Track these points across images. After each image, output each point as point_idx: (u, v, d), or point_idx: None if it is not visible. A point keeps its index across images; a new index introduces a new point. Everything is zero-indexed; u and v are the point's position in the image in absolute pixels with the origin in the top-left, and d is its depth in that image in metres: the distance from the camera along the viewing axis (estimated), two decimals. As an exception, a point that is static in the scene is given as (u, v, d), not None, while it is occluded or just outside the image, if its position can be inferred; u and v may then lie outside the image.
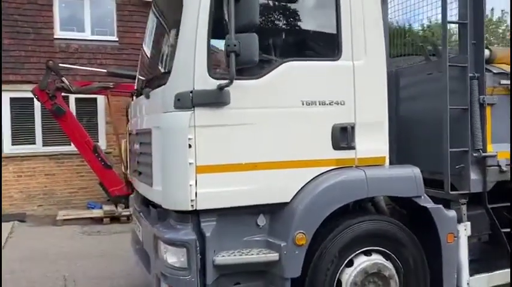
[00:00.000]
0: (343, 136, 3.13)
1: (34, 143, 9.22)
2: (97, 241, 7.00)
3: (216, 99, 2.82)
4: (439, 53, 3.69)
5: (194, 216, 2.91)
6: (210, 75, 2.82)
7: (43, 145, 9.28)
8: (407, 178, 3.26)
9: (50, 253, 6.01)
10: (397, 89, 3.83)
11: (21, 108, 9.17)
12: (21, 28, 8.98)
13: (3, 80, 8.14)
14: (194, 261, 2.81)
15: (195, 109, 2.81)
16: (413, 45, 4.39)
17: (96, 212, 8.65)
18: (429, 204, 3.28)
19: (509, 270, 3.66)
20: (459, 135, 3.40)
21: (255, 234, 3.07)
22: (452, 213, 3.37)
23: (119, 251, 6.32)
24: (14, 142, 9.11)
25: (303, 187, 3.05)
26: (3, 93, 8.43)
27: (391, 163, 3.31)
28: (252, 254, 2.95)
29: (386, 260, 3.22)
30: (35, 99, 8.28)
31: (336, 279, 3.09)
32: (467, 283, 3.45)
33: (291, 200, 3.03)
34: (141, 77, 4.06)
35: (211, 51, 2.83)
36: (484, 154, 3.44)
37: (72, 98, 9.20)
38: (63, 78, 8.10)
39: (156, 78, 3.27)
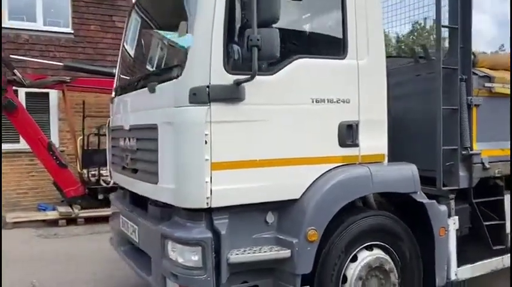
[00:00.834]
0: (348, 134, 3.19)
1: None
2: (57, 244, 6.62)
3: (233, 95, 2.77)
4: (429, 55, 3.87)
5: (207, 214, 2.84)
6: (225, 70, 2.77)
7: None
8: (407, 174, 3.39)
9: (10, 258, 5.58)
10: (387, 89, 3.95)
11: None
12: (-35, 16, 8.29)
13: None
14: (210, 260, 2.74)
15: (211, 104, 2.74)
16: (402, 47, 4.57)
17: (51, 214, 8.16)
18: (425, 199, 3.43)
19: (489, 260, 3.95)
20: (449, 134, 3.58)
21: (263, 231, 3.05)
22: (444, 208, 3.55)
23: (87, 253, 6.05)
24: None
25: (312, 183, 3.07)
26: None
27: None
28: (265, 252, 2.93)
29: (386, 254, 3.32)
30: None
31: (342, 274, 3.15)
32: (455, 274, 3.65)
33: (300, 196, 3.05)
34: (130, 71, 3.89)
35: (227, 45, 2.77)
36: (471, 152, 3.65)
37: (22, 92, 8.61)
38: (15, 70, 7.57)
39: (162, 72, 3.14)
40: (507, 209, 3.99)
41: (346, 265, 3.16)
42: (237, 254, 2.86)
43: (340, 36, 3.20)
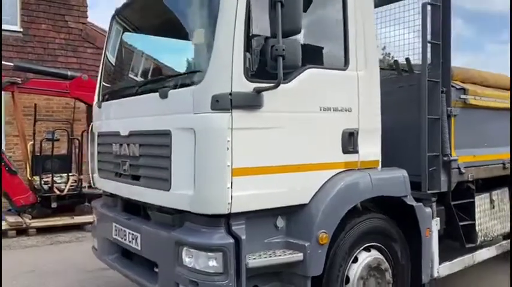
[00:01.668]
0: (350, 141, 3.36)
1: None
2: (14, 257, 6.20)
3: (253, 102, 2.84)
4: (412, 68, 4.17)
5: (225, 219, 2.86)
6: (246, 78, 2.83)
7: None
8: (399, 179, 3.62)
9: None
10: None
11: None
12: None
13: None
14: (232, 265, 2.77)
15: (233, 111, 2.78)
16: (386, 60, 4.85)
17: (-1, 225, 7.61)
18: (414, 203, 3.69)
19: (462, 257, 4.30)
20: (432, 141, 3.88)
21: (274, 236, 3.13)
22: (429, 210, 3.83)
23: (50, 265, 5.77)
24: None
25: (320, 188, 3.20)
26: None
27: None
28: (280, 256, 3.01)
29: (381, 254, 3.52)
30: None
31: (346, 275, 3.30)
32: (438, 271, 3.94)
33: (309, 201, 3.16)
34: (123, 77, 3.81)
35: (247, 53, 2.83)
36: (451, 158, 3.97)
37: (-36, 94, 8.01)
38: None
39: (177, 78, 3.11)
40: (477, 211, 4.38)
41: (348, 266, 3.32)
42: (254, 258, 2.91)
43: (343, 49, 3.37)
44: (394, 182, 3.61)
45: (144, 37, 3.91)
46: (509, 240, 4.92)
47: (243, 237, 2.84)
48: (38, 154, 8.25)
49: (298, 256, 3.02)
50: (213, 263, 2.81)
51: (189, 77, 2.97)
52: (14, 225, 7.53)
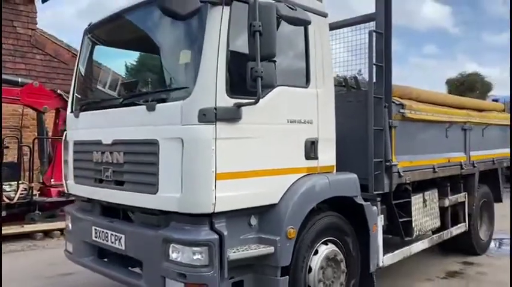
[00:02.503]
0: (311, 148, 3.89)
1: None
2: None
3: (234, 115, 3.27)
4: (359, 85, 4.80)
5: (209, 218, 3.26)
6: (227, 94, 3.26)
7: None
8: (352, 181, 4.20)
9: None
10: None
11: None
12: None
13: None
14: (216, 258, 3.17)
15: (217, 123, 3.20)
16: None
17: None
18: (363, 202, 4.28)
19: (402, 249, 4.98)
20: (376, 149, 4.50)
21: (248, 233, 3.56)
22: (375, 208, 4.45)
23: (7, 274, 5.71)
24: None
25: (287, 189, 3.68)
26: None
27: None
28: (255, 249, 3.45)
29: (337, 247, 4.07)
30: None
31: (308, 265, 3.80)
32: (382, 261, 4.57)
33: (279, 201, 3.63)
34: (102, 89, 4.09)
35: (229, 73, 3.27)
36: (392, 163, 4.63)
37: None
38: None
39: (164, 94, 3.47)
40: (413, 209, 5.08)
41: (311, 257, 3.83)
42: (234, 252, 3.32)
43: (305, 69, 3.90)
44: (348, 184, 4.19)
45: (127, 54, 4.20)
46: (438, 234, 5.72)
47: (225, 233, 3.25)
48: (-14, 162, 8.06)
49: (270, 249, 3.48)
50: (198, 256, 3.19)
51: (176, 92, 3.35)
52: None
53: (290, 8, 3.51)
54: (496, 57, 65.21)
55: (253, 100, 3.18)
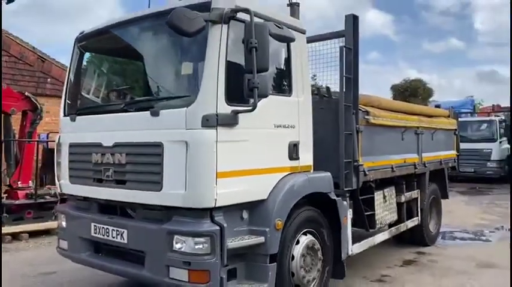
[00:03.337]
0: (294, 150, 4.39)
1: None
2: None
3: (232, 121, 3.71)
4: (331, 94, 5.37)
5: (209, 212, 3.67)
6: (226, 102, 3.69)
7: None
8: (327, 179, 4.75)
9: None
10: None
11: None
12: None
13: None
14: (218, 246, 3.59)
15: (218, 128, 3.63)
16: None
17: None
18: (336, 197, 4.84)
19: (367, 240, 5.60)
20: (346, 151, 5.09)
21: (240, 225, 4.00)
22: (345, 203, 5.03)
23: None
24: None
25: (274, 186, 4.16)
26: None
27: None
28: (249, 239, 3.90)
29: (314, 237, 4.60)
30: None
31: (291, 254, 4.30)
32: (351, 250, 5.15)
33: (267, 197, 4.10)
34: (102, 95, 4.39)
35: (227, 84, 3.70)
36: (359, 163, 5.23)
37: None
38: None
39: (169, 101, 3.85)
40: (376, 203, 5.72)
41: (293, 247, 4.32)
42: (231, 241, 3.75)
43: (288, 80, 4.41)
44: (323, 181, 4.73)
45: (128, 63, 4.51)
46: (396, 226, 6.42)
47: (225, 225, 3.67)
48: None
49: (261, 239, 3.94)
50: (200, 246, 3.59)
51: (179, 100, 3.74)
52: None
53: (278, 26, 4.01)
54: (434, 64, 69.42)
55: (250, 107, 3.64)
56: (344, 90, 5.09)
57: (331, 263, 4.81)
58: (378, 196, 5.82)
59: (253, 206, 4.06)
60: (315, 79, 6.15)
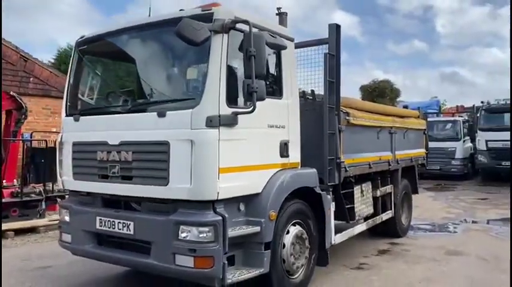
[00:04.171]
0: (284, 148, 4.82)
1: None
2: None
3: (232, 121, 4.09)
4: (315, 97, 5.82)
5: (211, 205, 4.05)
6: (226, 105, 4.08)
7: None
8: (313, 175, 5.20)
9: None
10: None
11: None
12: None
13: None
14: (221, 235, 3.97)
15: (220, 128, 4.01)
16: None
17: None
18: (321, 191, 5.29)
19: (347, 230, 6.09)
20: (330, 149, 5.55)
21: (238, 216, 4.38)
22: (329, 197, 5.49)
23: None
24: None
25: (268, 181, 4.57)
26: None
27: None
28: (246, 229, 4.30)
29: (302, 228, 5.04)
30: None
31: (283, 242, 4.72)
32: (334, 240, 5.63)
33: (262, 190, 4.50)
34: (116, 98, 4.73)
35: (228, 88, 4.09)
36: (341, 161, 5.71)
37: None
38: None
39: (174, 103, 4.19)
40: (355, 197, 6.22)
41: (284, 236, 4.75)
42: (231, 231, 4.14)
43: (279, 84, 4.83)
44: (310, 177, 5.18)
45: (133, 66, 4.81)
46: (372, 219, 6.95)
47: (227, 215, 4.06)
48: None
49: (257, 228, 4.34)
50: (204, 235, 3.96)
51: (185, 102, 4.10)
52: None
53: (272, 36, 4.42)
54: (399, 65, 71.53)
55: (249, 109, 4.03)
56: (328, 93, 5.55)
57: (316, 251, 5.26)
58: (357, 190, 6.32)
59: (249, 199, 4.45)
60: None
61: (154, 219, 4.21)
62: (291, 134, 4.92)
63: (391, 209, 7.58)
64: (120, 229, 4.42)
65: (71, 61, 5.16)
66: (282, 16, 5.74)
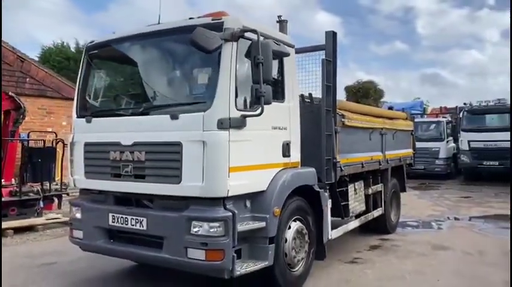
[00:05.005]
0: (286, 149, 5.13)
1: None
2: None
3: (241, 124, 4.38)
4: (313, 100, 6.15)
5: (222, 201, 4.33)
6: (235, 108, 4.36)
7: None
8: (312, 174, 5.52)
9: None
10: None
11: None
12: None
13: None
14: (231, 229, 4.25)
15: (230, 130, 4.29)
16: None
17: None
18: (319, 189, 5.62)
19: (342, 226, 6.43)
20: (327, 149, 5.88)
21: (244, 212, 4.67)
22: (327, 194, 5.82)
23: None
24: None
25: (272, 179, 4.87)
26: None
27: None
28: (253, 224, 4.59)
29: (302, 224, 5.35)
30: None
31: (285, 237, 5.03)
32: (331, 235, 5.96)
33: (266, 188, 4.80)
34: (128, 101, 4.98)
35: (236, 92, 4.38)
36: (337, 160, 6.04)
37: None
38: None
39: (187, 106, 4.46)
40: (349, 195, 6.57)
41: (286, 231, 5.05)
42: (240, 226, 4.43)
43: (281, 88, 5.13)
44: (309, 175, 5.50)
45: (145, 72, 5.05)
46: (365, 215, 7.31)
47: (236, 211, 4.35)
48: None
49: (262, 224, 4.64)
50: (215, 229, 4.24)
51: (197, 106, 4.38)
52: None
53: (276, 43, 4.73)
54: (381, 66, 72.51)
55: (257, 112, 4.33)
56: (325, 96, 5.87)
57: (315, 246, 5.58)
58: (350, 188, 6.67)
59: (255, 196, 4.75)
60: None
61: (168, 215, 4.47)
62: (292, 135, 5.23)
63: (381, 206, 7.95)
64: (133, 225, 4.67)
65: (81, 65, 5.38)
66: (282, 24, 6.04)
